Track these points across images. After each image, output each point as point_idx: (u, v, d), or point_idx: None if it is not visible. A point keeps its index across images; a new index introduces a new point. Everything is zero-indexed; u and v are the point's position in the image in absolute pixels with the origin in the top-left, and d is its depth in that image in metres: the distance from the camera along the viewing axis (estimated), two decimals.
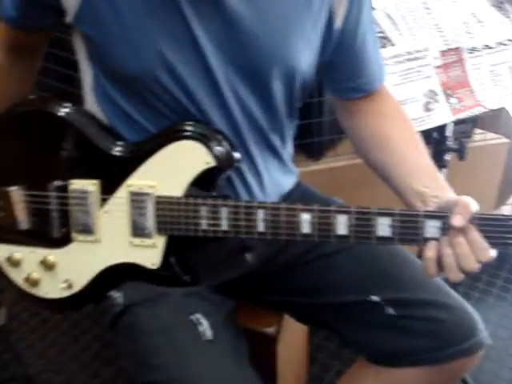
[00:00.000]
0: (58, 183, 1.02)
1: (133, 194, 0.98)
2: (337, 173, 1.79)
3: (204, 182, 0.96)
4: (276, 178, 1.11)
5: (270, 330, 1.19)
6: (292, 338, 1.47)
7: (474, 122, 1.94)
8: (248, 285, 1.16)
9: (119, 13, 0.90)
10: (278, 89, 1.00)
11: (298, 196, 1.19)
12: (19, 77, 1.13)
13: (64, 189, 1.01)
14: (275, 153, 1.10)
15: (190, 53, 0.92)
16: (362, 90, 1.10)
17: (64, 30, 1.79)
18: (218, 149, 0.95)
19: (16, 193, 1.05)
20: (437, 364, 1.05)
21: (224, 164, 0.95)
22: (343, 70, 1.09)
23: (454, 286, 1.06)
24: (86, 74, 1.03)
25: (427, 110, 1.51)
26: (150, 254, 0.99)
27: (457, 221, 0.85)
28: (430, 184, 0.99)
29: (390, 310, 1.06)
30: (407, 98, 1.46)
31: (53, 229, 1.04)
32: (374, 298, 1.07)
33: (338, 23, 1.01)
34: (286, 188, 1.16)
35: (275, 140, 1.08)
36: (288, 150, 1.15)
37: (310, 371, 1.79)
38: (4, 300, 1.85)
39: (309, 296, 1.14)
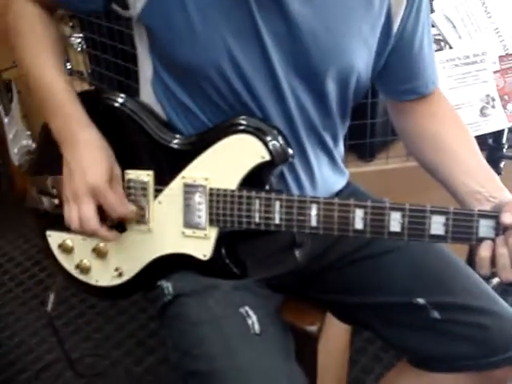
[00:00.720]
0: None
1: (187, 185, 0.99)
2: (388, 175, 1.77)
3: (258, 176, 0.96)
4: (327, 176, 1.12)
5: (313, 328, 1.19)
6: (334, 339, 1.46)
7: None
8: (294, 281, 1.16)
9: (187, 6, 0.92)
10: (332, 88, 1.00)
11: (348, 195, 1.18)
12: (56, 28, 1.11)
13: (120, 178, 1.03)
14: (327, 151, 1.10)
15: (254, 47, 0.93)
16: (417, 93, 1.11)
17: (123, 23, 1.85)
18: (273, 144, 0.95)
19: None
20: (480, 371, 1.04)
21: (278, 159, 0.96)
22: (399, 73, 1.09)
23: (504, 295, 1.04)
24: (146, 67, 1.05)
25: (483, 115, 1.49)
26: (201, 245, 1.00)
27: (506, 218, 0.84)
28: (486, 184, 0.99)
29: (435, 314, 1.05)
30: (463, 103, 1.45)
31: (107, 217, 1.04)
32: (420, 300, 1.06)
33: (396, 27, 1.01)
34: (336, 187, 1.16)
35: (328, 139, 1.08)
36: (340, 149, 1.16)
37: (350, 373, 1.78)
38: (53, 286, 1.89)
39: (354, 295, 1.14)
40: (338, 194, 1.17)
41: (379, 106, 1.69)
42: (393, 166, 1.78)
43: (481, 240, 0.87)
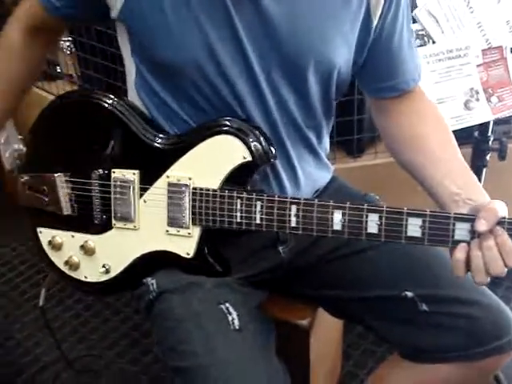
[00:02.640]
0: (100, 172, 1.06)
1: (171, 184, 1.01)
2: (376, 171, 1.78)
3: (240, 176, 0.98)
4: (311, 173, 1.12)
5: (304, 322, 1.20)
6: (326, 333, 1.47)
7: None
8: (282, 278, 1.17)
9: (163, 5, 0.93)
10: (314, 85, 1.01)
11: (333, 191, 1.20)
12: (30, 59, 1.15)
13: (106, 177, 1.06)
14: (311, 149, 1.11)
15: (233, 45, 0.94)
16: (397, 90, 1.10)
17: (112, 25, 1.85)
18: (255, 144, 0.97)
19: (60, 179, 1.09)
20: (470, 361, 1.05)
21: (260, 160, 0.97)
22: (379, 69, 1.09)
23: (493, 286, 1.05)
24: (129, 67, 1.06)
25: (467, 108, 1.50)
26: (185, 243, 1.02)
27: (480, 226, 0.86)
28: (464, 186, 0.98)
29: (423, 306, 1.06)
30: (447, 96, 1.46)
31: (94, 215, 1.08)
32: (408, 293, 1.07)
33: (375, 22, 1.01)
34: (320, 183, 1.17)
35: (311, 136, 1.09)
36: (324, 145, 1.16)
37: (343, 368, 1.79)
38: (44, 282, 1.90)
39: (342, 290, 1.15)
40: (323, 190, 1.18)
41: (366, 102, 1.69)
42: (381, 161, 1.79)
43: (456, 243, 0.89)
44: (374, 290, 1.11)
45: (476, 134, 1.62)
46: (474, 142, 1.63)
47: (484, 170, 1.62)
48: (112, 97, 1.06)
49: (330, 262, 1.15)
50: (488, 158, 1.62)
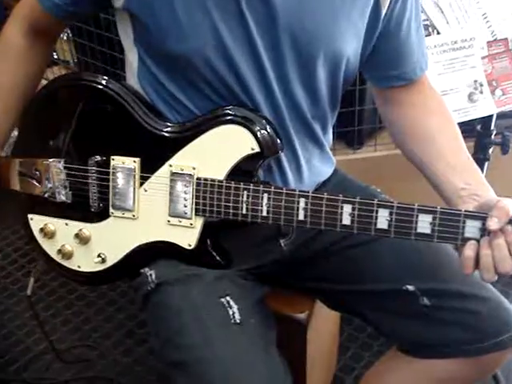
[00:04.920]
0: (98, 158, 1.03)
1: (174, 174, 0.99)
2: (376, 163, 1.77)
3: (246, 168, 0.96)
4: (315, 166, 1.11)
5: (302, 315, 1.19)
6: (324, 326, 1.46)
7: None
8: (281, 270, 1.16)
9: None
10: (322, 76, 1.00)
11: (335, 184, 1.18)
12: (34, 61, 1.12)
13: (104, 164, 1.03)
14: (316, 141, 1.09)
15: (240, 33, 0.93)
16: (404, 79, 1.09)
17: (110, 11, 1.83)
18: (264, 135, 0.95)
19: (54, 165, 1.07)
20: (470, 357, 1.04)
21: (268, 151, 0.96)
22: (386, 58, 1.08)
23: (508, 288, 1.04)
24: (131, 56, 1.04)
25: (471, 100, 1.48)
26: (186, 234, 1.00)
27: (492, 224, 0.85)
28: (470, 181, 0.98)
29: (425, 300, 1.05)
30: (451, 88, 1.44)
31: (90, 203, 1.06)
32: (410, 287, 1.06)
33: (384, 11, 1.00)
34: (323, 176, 1.16)
35: (317, 128, 1.07)
36: (328, 138, 1.15)
37: (340, 361, 1.78)
38: (33, 271, 1.89)
39: (343, 283, 1.14)
40: (325, 182, 1.16)
41: (367, 93, 1.69)
42: (381, 153, 1.79)
43: (466, 240, 0.88)
44: (374, 283, 1.10)
45: (478, 127, 1.61)
46: (477, 135, 1.61)
47: (486, 163, 1.61)
48: (112, 80, 1.03)
49: (331, 255, 1.14)
50: (490, 151, 1.60)
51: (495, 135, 1.59)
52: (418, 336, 1.08)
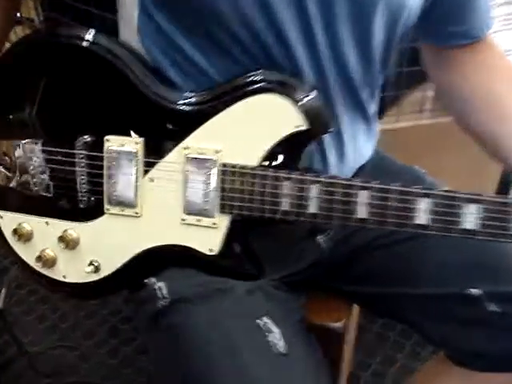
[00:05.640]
0: (87, 139, 0.85)
1: (190, 159, 0.80)
2: (398, 134, 1.66)
3: (288, 150, 0.79)
4: (359, 144, 0.96)
5: (338, 324, 1.05)
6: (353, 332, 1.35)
7: None
8: (319, 274, 1.00)
9: None
10: (378, 32, 0.85)
11: (375, 165, 1.04)
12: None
13: (96, 146, 0.84)
14: (363, 112, 0.94)
15: None
16: (470, 36, 0.97)
17: None
18: (313, 108, 0.77)
19: (29, 148, 0.89)
20: None
21: (318, 128, 0.79)
22: (450, 11, 0.95)
23: None
24: (130, 9, 0.90)
25: None
26: (207, 236, 0.82)
27: None
28: None
29: (493, 306, 0.93)
30: (509, 49, 1.32)
31: (78, 197, 0.87)
32: (474, 291, 0.93)
33: None
34: (366, 156, 1.01)
35: (365, 96, 0.92)
36: (374, 109, 1.00)
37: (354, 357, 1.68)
38: (5, 279, 1.76)
39: (390, 285, 1.01)
40: (365, 165, 1.02)
41: (391, 57, 1.53)
42: (404, 124, 1.69)
43: None
44: (429, 286, 0.97)
45: None
46: None
47: None
48: (101, 35, 0.83)
49: (374, 251, 1.00)
50: None
51: None
52: (480, 347, 0.96)
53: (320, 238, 0.96)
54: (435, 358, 1.12)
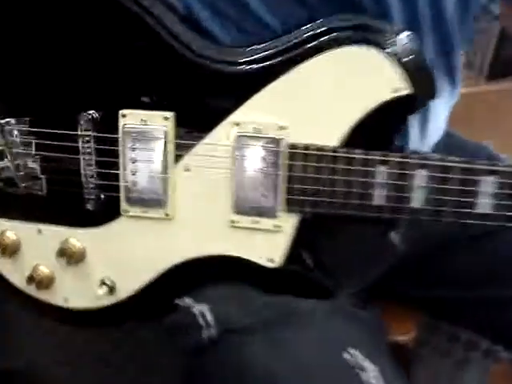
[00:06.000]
0: (94, 114, 0.68)
1: (242, 137, 0.63)
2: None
3: (380, 125, 0.63)
4: (441, 113, 0.81)
5: (405, 337, 0.95)
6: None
7: None
8: (391, 281, 0.86)
9: None
10: None
11: (445, 142, 0.88)
12: None
13: (108, 125, 0.67)
14: (450, 73, 0.78)
15: None
16: None
17: None
18: (416, 64, 0.61)
19: (11, 129, 0.73)
20: None
21: (425, 93, 0.62)
22: None
23: None
24: None
25: None
26: (267, 242, 0.66)
27: None
28: None
29: None
30: None
31: (84, 195, 0.71)
32: None
33: None
34: (443, 129, 0.86)
35: (453, 53, 0.77)
36: (460, 68, 0.85)
37: None
38: None
39: (473, 288, 0.89)
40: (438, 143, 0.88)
41: None
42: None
43: None
44: None
45: None
46: None
47: None
48: None
49: (455, 250, 0.89)
50: None
51: None
52: None
53: (393, 235, 0.81)
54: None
